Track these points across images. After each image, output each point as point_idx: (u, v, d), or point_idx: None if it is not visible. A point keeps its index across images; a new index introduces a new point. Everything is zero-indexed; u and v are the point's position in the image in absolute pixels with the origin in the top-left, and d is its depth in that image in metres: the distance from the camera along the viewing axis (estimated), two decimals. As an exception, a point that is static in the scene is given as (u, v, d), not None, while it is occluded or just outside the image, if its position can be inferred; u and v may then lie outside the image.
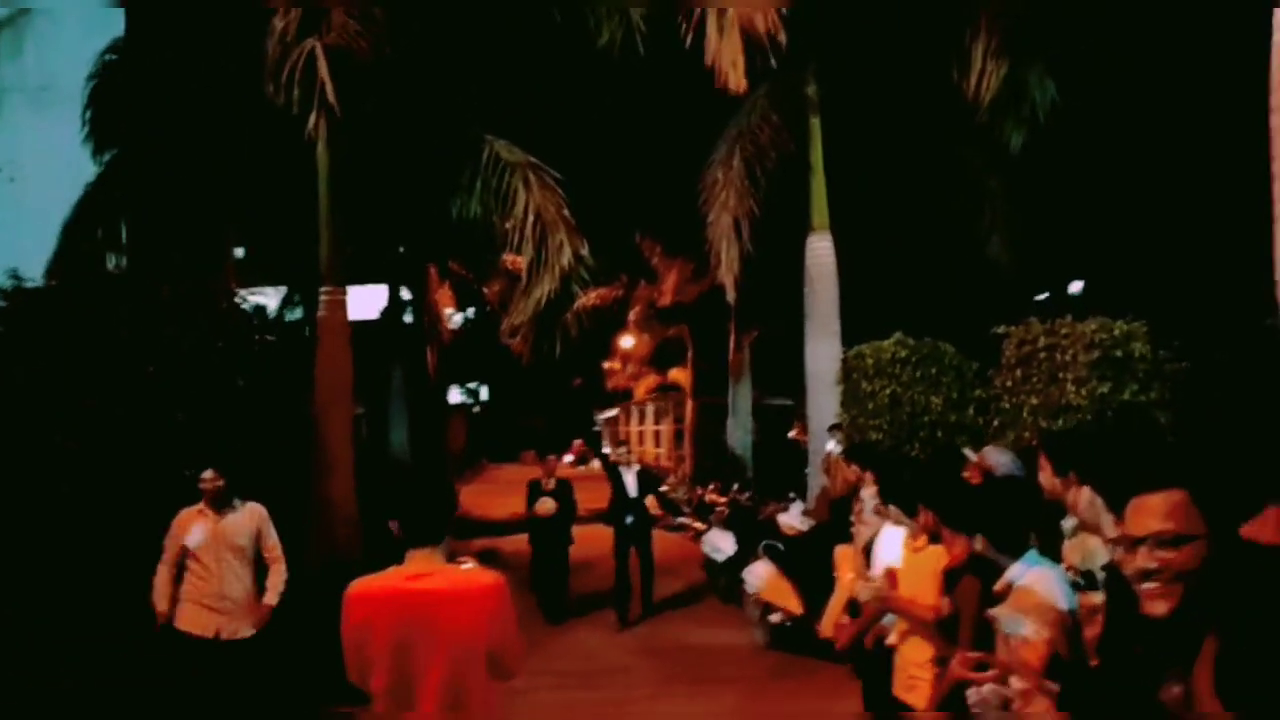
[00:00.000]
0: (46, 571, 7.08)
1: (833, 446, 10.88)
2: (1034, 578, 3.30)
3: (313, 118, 9.20)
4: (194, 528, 6.01)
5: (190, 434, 7.42)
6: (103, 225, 10.53)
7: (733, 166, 12.06)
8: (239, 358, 7.92)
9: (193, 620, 5.98)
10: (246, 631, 6.04)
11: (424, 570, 3.01)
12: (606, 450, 11.70)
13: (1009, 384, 8.63)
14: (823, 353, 12.18)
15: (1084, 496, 3.05)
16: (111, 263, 10.36)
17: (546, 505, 10.80)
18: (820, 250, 12.28)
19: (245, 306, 8.53)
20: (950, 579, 4.08)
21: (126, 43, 11.35)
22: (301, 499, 10.14)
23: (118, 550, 7.15)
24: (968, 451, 6.02)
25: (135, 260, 10.10)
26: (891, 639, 4.89)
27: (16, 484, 7.10)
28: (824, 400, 11.99)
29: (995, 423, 8.88)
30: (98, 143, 11.11)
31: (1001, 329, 8.82)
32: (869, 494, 6.25)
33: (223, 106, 10.42)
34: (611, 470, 11.89)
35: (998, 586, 3.38)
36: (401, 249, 17.50)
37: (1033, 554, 3.42)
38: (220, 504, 6.05)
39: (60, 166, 11.58)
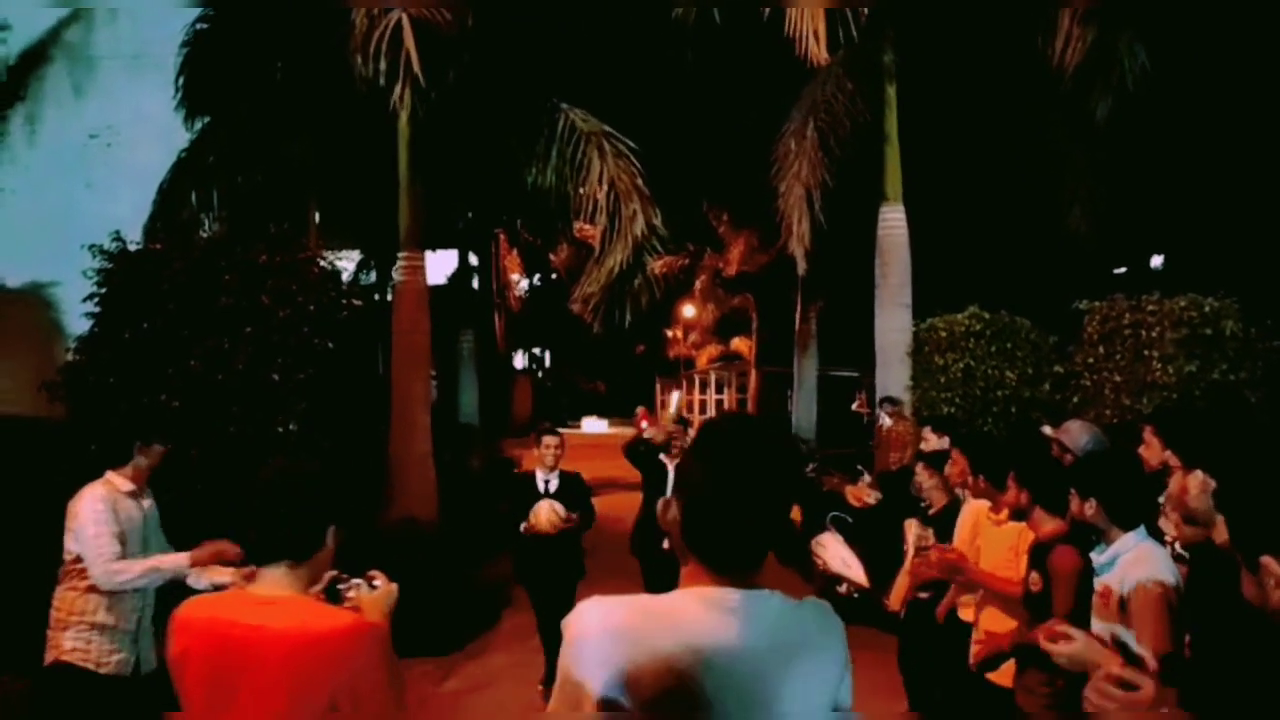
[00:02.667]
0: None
1: (887, 420, 10.88)
2: (1143, 552, 3.34)
3: (398, 88, 9.36)
4: None
5: (283, 394, 7.70)
6: (196, 190, 10.87)
7: (806, 136, 11.99)
8: (327, 321, 8.17)
9: None
10: None
11: (271, 597, 2.31)
12: (647, 431, 8.23)
13: (1090, 360, 8.56)
14: (893, 325, 12.13)
15: (1196, 481, 3.04)
16: (205, 226, 10.69)
17: (544, 518, 6.52)
18: (893, 221, 12.20)
19: (332, 271, 8.78)
20: (1040, 553, 4.08)
21: (217, 12, 11.62)
22: (379, 460, 10.45)
23: (213, 504, 7.47)
24: (1045, 429, 6.02)
25: (231, 225, 10.41)
26: (965, 613, 4.94)
27: (123, 442, 7.42)
28: (892, 373, 11.96)
29: (1074, 400, 8.82)
30: (190, 109, 11.44)
31: (1083, 304, 8.72)
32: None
33: (308, 76, 10.65)
34: (648, 464, 7.49)
35: (1103, 557, 3.41)
36: (472, 216, 17.73)
37: (1143, 529, 3.45)
38: None
39: (155, 132, 11.92)
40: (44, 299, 12.70)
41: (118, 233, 8.07)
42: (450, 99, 10.66)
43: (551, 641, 6.56)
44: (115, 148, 12.66)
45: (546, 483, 6.82)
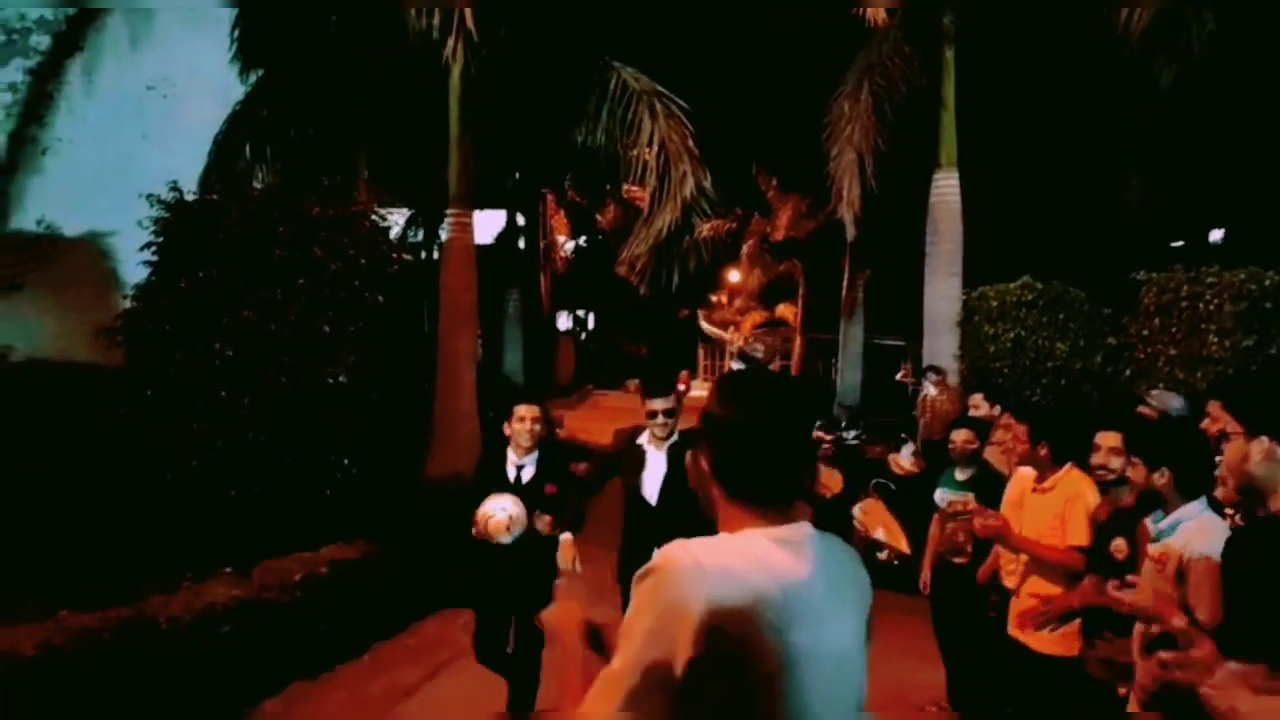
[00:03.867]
0: (199, 465, 7.62)
1: (932, 389, 10.81)
2: (1205, 523, 3.33)
3: (450, 42, 9.36)
4: None
5: (333, 346, 7.80)
6: (251, 142, 10.98)
7: (860, 100, 11.84)
8: (378, 275, 8.24)
9: None
10: None
11: None
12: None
13: (1145, 333, 8.41)
14: (942, 293, 12.00)
15: (1259, 449, 3.00)
16: (259, 178, 10.80)
17: (492, 522, 4.79)
18: (946, 188, 12.04)
19: (383, 226, 8.84)
20: (1128, 521, 4.05)
21: (271, -36, 11.66)
22: (424, 414, 10.57)
23: (268, 450, 7.63)
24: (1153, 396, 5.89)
25: (284, 177, 10.51)
26: (1009, 580, 4.93)
27: (178, 389, 7.60)
28: (941, 342, 11.85)
29: (1126, 372, 8.70)
30: (245, 63, 11.53)
31: (1140, 275, 8.56)
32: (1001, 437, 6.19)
33: (362, 30, 10.67)
34: (615, 458, 5.31)
35: (1163, 523, 3.41)
36: (520, 175, 17.75)
37: (1204, 499, 3.45)
38: None
39: (210, 85, 12.03)
40: (101, 248, 12.94)
41: (175, 183, 8.18)
42: (502, 55, 10.64)
43: (494, 660, 5.14)
44: (171, 100, 12.78)
45: (519, 469, 4.99)
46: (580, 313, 39.32)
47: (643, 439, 5.09)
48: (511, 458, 5.04)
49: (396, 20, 9.88)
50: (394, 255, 8.89)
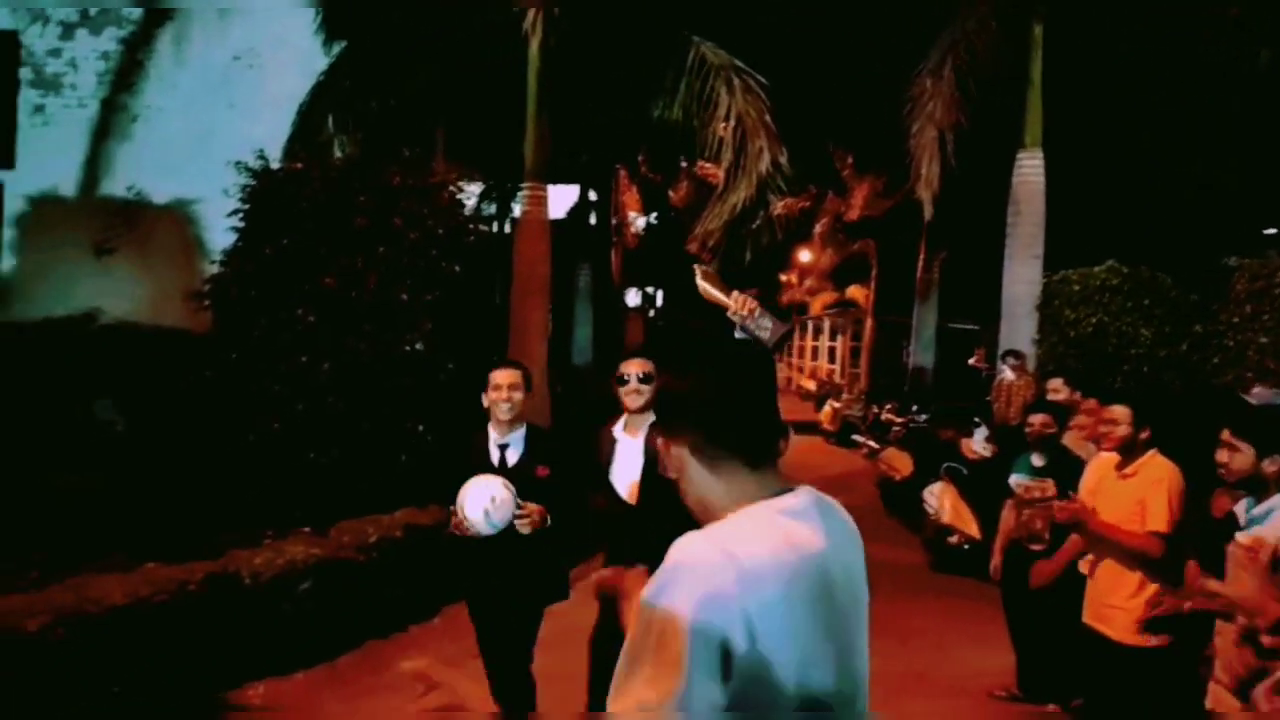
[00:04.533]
0: (280, 428, 7.81)
1: (1009, 374, 10.63)
2: None
3: (531, 13, 9.38)
4: None
5: (410, 314, 7.94)
6: (333, 113, 11.17)
7: (943, 76, 11.59)
8: (455, 246, 8.34)
9: None
10: None
11: None
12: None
13: (1235, 320, 8.16)
14: (1022, 276, 11.75)
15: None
16: (339, 149, 10.99)
17: (471, 512, 4.01)
18: (1030, 168, 11.76)
19: (461, 198, 8.95)
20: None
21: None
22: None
23: (346, 415, 7.80)
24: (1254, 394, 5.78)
25: (365, 148, 10.67)
26: (1084, 566, 4.85)
27: (262, 353, 7.80)
28: (1019, 326, 11.62)
29: (1214, 361, 8.45)
30: (329, 34, 11.71)
31: (1232, 261, 8.30)
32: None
33: (443, 2, 10.75)
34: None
35: (1257, 509, 3.33)
36: (594, 150, 17.75)
37: None
38: None
39: (293, 56, 12.24)
40: (187, 215, 13.28)
41: (262, 152, 8.37)
42: (581, 28, 10.65)
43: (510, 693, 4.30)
44: (257, 70, 13.02)
45: (503, 450, 4.29)
46: (649, 290, 39.34)
47: (617, 426, 4.28)
48: (493, 436, 4.31)
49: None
50: (470, 227, 8.99)
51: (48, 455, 8.75)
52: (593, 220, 20.44)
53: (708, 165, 16.32)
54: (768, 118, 10.80)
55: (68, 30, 13.63)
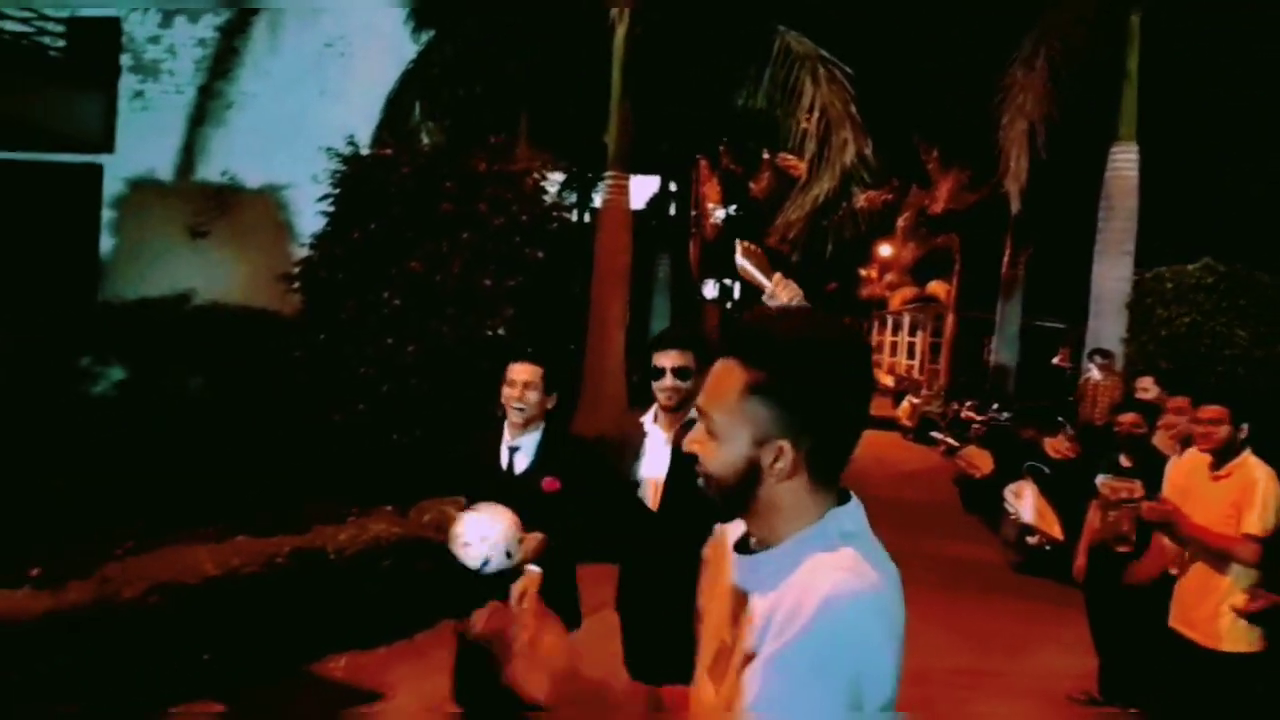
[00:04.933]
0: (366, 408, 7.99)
1: (1096, 373, 10.39)
2: None
3: (618, 2, 9.42)
4: None
5: (493, 299, 8.04)
6: (421, 100, 11.36)
7: (1035, 68, 11.34)
8: (538, 232, 8.44)
9: None
10: None
11: None
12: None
13: (1338, 321, 7.87)
14: (1113, 273, 11.45)
15: None
16: (427, 135, 11.18)
17: (465, 552, 3.35)
18: (1123, 162, 11.44)
19: (546, 186, 9.04)
20: None
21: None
22: (573, 372, 10.79)
23: (429, 397, 7.95)
24: None
25: (451, 134, 10.84)
26: (1174, 567, 4.74)
27: (349, 335, 7.98)
28: (1108, 324, 11.34)
29: (1314, 362, 8.16)
30: (418, 22, 11.91)
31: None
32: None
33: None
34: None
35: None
36: (676, 140, 17.75)
37: None
38: None
39: (384, 43, 12.46)
40: (278, 200, 13.62)
41: (352, 138, 8.55)
42: (667, 17, 10.65)
43: None
44: (347, 57, 13.27)
45: (513, 452, 3.78)
46: (727, 281, 39.24)
47: (648, 416, 3.75)
48: (506, 435, 3.80)
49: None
50: (553, 214, 9.08)
51: (142, 430, 9.08)
52: (672, 211, 20.45)
53: (789, 157, 16.22)
54: (853, 108, 10.70)
55: (167, 18, 14.05)
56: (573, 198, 16.56)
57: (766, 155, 18.07)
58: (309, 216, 9.33)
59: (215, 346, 10.84)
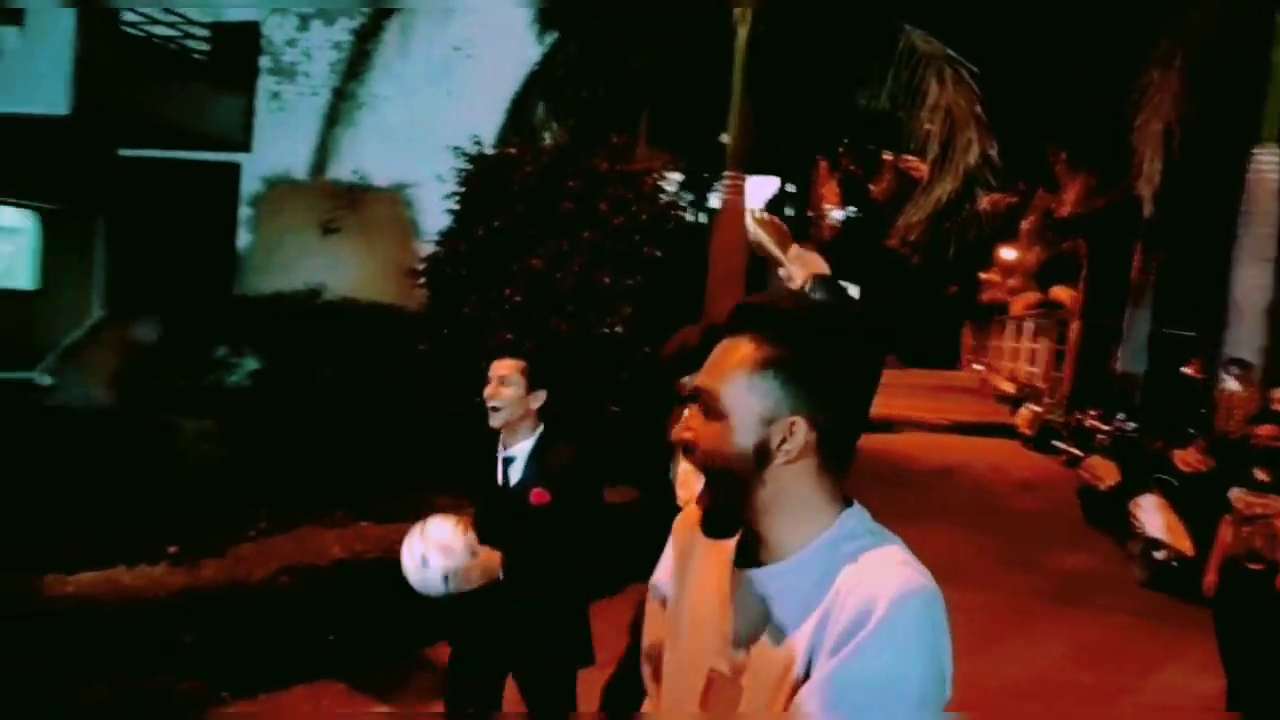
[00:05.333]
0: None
1: (1232, 383, 9.94)
2: None
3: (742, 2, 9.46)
4: None
5: (612, 297, 8.17)
6: (545, 100, 11.60)
7: (1173, 67, 10.94)
8: (658, 232, 8.52)
9: None
10: None
11: None
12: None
13: None
14: (1253, 281, 10.92)
15: None
16: (549, 135, 11.41)
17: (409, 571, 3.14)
18: (1267, 165, 10.89)
19: (665, 186, 9.13)
20: None
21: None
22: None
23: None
24: None
25: (574, 134, 11.05)
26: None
27: (472, 330, 8.20)
28: (1245, 334, 10.82)
29: None
30: (543, 25, 12.16)
31: None
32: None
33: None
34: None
35: None
36: (795, 141, 17.67)
37: None
38: None
39: (508, 46, 12.76)
40: (404, 198, 14.08)
41: (478, 138, 8.79)
42: (790, 16, 10.63)
43: None
44: (474, 60, 13.65)
45: (508, 464, 3.30)
46: (841, 284, 38.74)
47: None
48: (502, 443, 3.32)
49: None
50: (672, 213, 9.15)
51: (274, 419, 9.50)
52: (789, 212, 20.36)
53: (910, 159, 15.97)
54: (979, 109, 10.50)
55: (304, 22, 14.67)
56: (690, 197, 16.65)
57: (889, 156, 17.78)
58: (433, 214, 9.63)
59: (344, 339, 11.26)
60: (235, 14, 14.56)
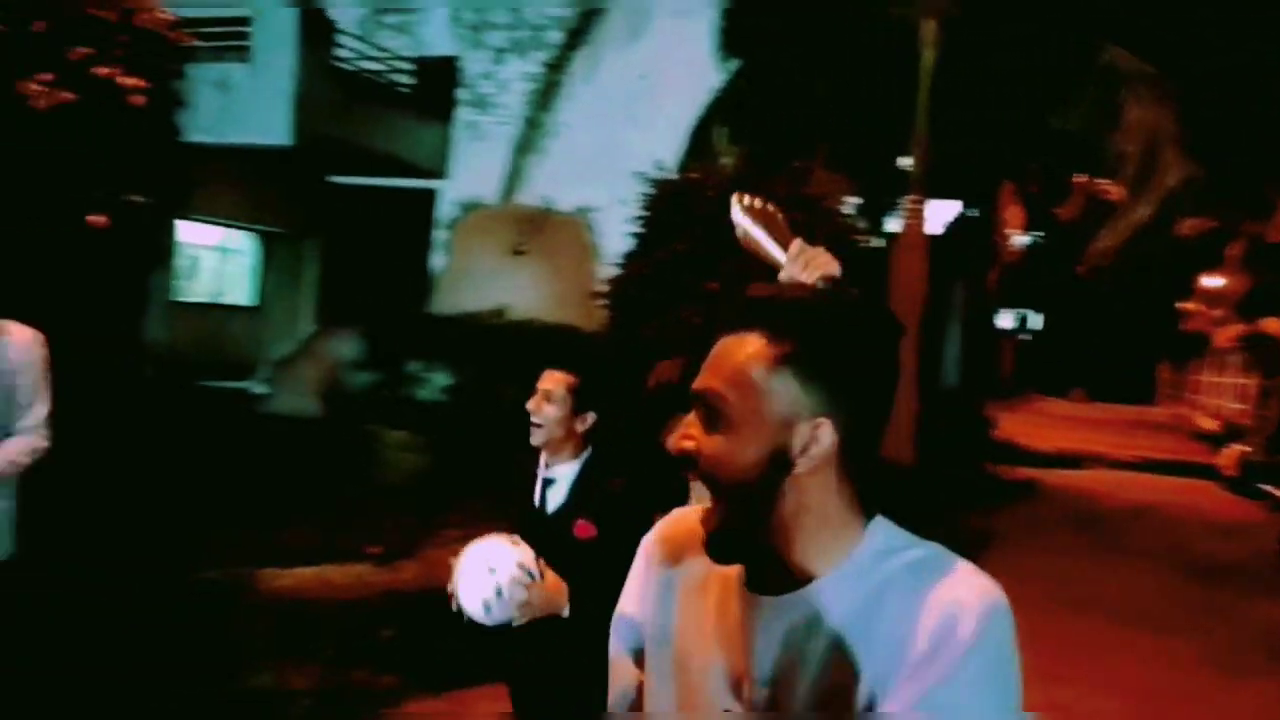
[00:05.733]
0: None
1: None
2: None
3: (929, 23, 9.35)
4: None
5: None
6: (726, 126, 11.76)
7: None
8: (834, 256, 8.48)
9: None
10: None
11: None
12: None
13: None
14: None
15: None
16: (729, 160, 11.54)
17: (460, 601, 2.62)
18: None
19: (845, 210, 9.10)
20: None
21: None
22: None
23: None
24: None
25: (754, 159, 11.16)
26: None
27: (652, 352, 8.38)
28: None
29: None
30: (726, 53, 12.34)
31: None
32: None
33: (836, 17, 10.97)
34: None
35: None
36: (978, 164, 17.20)
37: None
38: None
39: (690, 73, 13.01)
40: (586, 223, 14.54)
41: (661, 163, 9.01)
42: (977, 33, 10.42)
43: None
44: (657, 87, 13.98)
45: (546, 486, 2.97)
46: (1023, 312, 37.38)
47: None
48: (542, 462, 3.00)
49: (874, 5, 10.05)
50: (848, 237, 9.11)
51: (463, 431, 9.94)
52: (970, 236, 19.80)
53: (1102, 182, 15.28)
54: (1180, 129, 9.99)
55: (499, 55, 15.42)
56: (867, 222, 16.44)
57: (1082, 179, 17.06)
58: (614, 238, 9.90)
59: (528, 357, 11.67)
60: (437, 49, 15.45)
